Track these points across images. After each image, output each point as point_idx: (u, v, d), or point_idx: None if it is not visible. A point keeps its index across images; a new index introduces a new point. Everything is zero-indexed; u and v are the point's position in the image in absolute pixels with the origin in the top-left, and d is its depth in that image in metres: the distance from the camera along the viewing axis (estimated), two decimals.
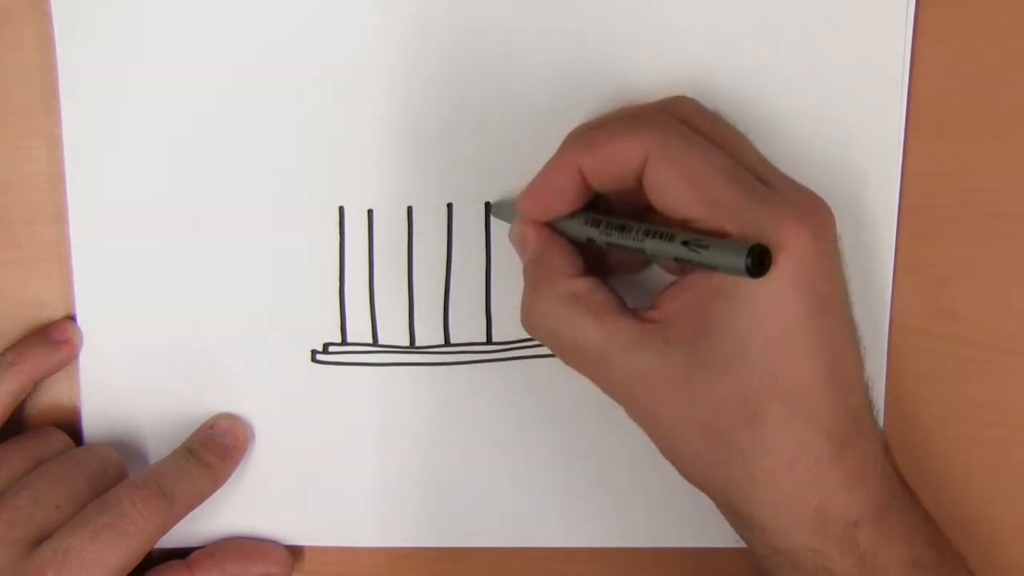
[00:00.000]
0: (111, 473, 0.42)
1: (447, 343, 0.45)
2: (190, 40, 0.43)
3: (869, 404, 0.38)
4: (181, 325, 0.44)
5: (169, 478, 0.41)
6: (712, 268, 0.36)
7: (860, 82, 0.43)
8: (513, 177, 0.43)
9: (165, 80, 0.43)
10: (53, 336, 0.44)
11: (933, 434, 0.45)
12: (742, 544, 0.40)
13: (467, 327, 0.45)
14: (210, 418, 0.44)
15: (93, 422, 0.45)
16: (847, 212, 0.43)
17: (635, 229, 0.38)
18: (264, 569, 0.45)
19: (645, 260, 0.43)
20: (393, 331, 0.45)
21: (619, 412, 0.40)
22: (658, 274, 0.43)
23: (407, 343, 0.45)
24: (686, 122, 0.39)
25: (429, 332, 0.45)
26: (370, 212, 0.44)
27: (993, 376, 0.45)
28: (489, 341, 0.45)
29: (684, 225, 0.37)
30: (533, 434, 0.45)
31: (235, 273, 0.44)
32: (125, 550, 0.39)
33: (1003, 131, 0.44)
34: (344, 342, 0.45)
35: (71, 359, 0.44)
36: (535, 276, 0.40)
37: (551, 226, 0.41)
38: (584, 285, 0.39)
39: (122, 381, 0.44)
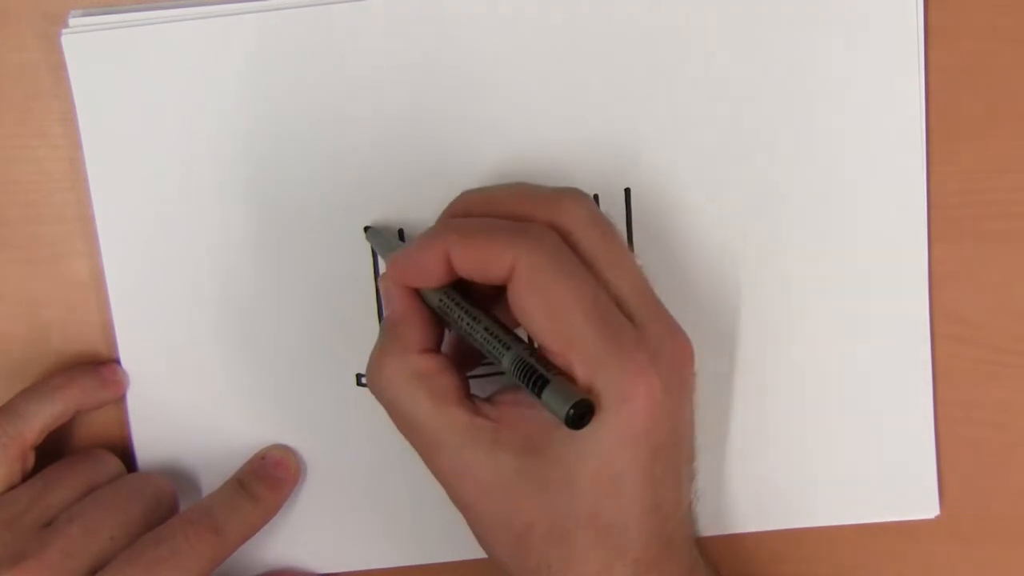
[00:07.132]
0: (164, 504, 0.43)
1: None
2: (215, 62, 0.42)
3: (689, 526, 0.39)
4: (222, 356, 0.44)
5: (221, 513, 0.42)
6: (535, 398, 0.36)
7: (874, 89, 0.43)
8: None
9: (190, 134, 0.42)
10: (104, 374, 0.43)
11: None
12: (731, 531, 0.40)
13: None
14: (262, 448, 0.45)
15: (144, 447, 0.45)
16: (873, 214, 0.44)
17: (480, 328, 0.37)
18: None
19: None
20: None
21: None
22: None
23: None
24: (570, 234, 0.37)
25: None
26: (400, 232, 0.44)
27: (994, 376, 0.45)
28: None
29: (538, 350, 0.37)
30: None
31: (274, 300, 0.44)
32: None
33: (1003, 131, 0.44)
34: None
35: (115, 399, 0.44)
36: (388, 341, 0.39)
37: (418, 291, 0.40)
38: (431, 364, 0.39)
39: (170, 419, 0.44)
